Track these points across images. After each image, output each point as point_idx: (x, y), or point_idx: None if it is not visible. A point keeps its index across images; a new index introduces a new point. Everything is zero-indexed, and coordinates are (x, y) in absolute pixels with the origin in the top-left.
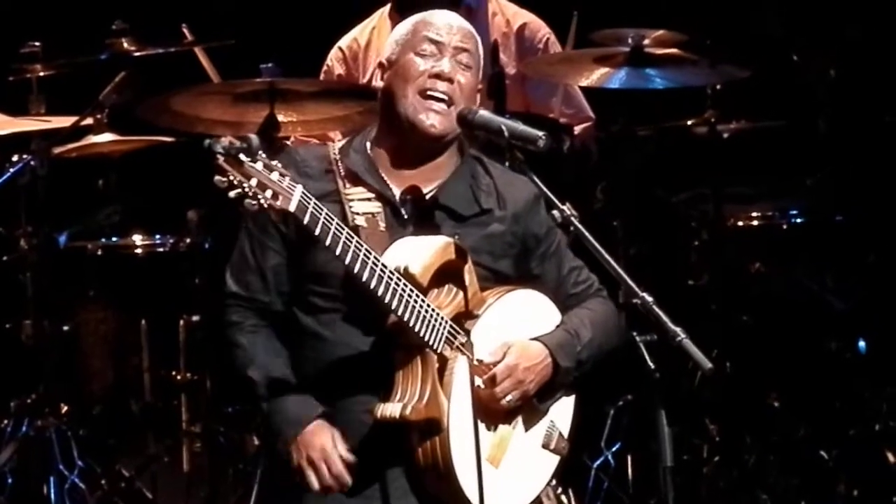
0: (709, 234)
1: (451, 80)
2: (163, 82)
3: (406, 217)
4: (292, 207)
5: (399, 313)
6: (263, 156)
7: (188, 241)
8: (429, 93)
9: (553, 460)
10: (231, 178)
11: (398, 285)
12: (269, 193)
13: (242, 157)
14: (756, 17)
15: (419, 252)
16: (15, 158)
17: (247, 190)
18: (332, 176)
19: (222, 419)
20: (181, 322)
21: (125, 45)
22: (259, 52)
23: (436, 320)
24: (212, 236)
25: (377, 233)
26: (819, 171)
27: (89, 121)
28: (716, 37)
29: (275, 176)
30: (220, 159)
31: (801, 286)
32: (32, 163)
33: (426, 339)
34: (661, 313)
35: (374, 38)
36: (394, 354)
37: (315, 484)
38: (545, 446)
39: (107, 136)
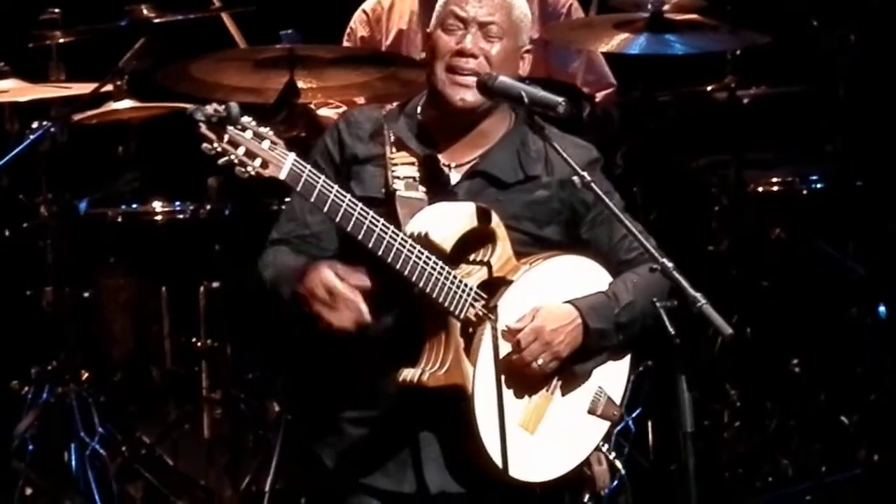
0: (729, 199)
1: (474, 56)
2: (182, 49)
3: (448, 183)
4: (283, 175)
5: (413, 280)
6: (253, 123)
7: (208, 207)
8: (455, 68)
9: (602, 426)
10: (216, 146)
11: (412, 252)
12: (258, 162)
13: (229, 125)
14: None
15: (443, 219)
16: (35, 125)
17: (233, 158)
18: (380, 139)
19: (243, 386)
20: (201, 289)
21: (144, 11)
22: (279, 19)
23: (458, 287)
24: (232, 203)
25: (415, 199)
26: (839, 136)
27: (109, 87)
28: (735, 2)
29: (265, 144)
30: (202, 127)
31: (821, 252)
32: (52, 129)
33: (447, 305)
34: (681, 279)
35: (397, 1)
36: (422, 321)
37: (333, 320)
38: (591, 412)
39: (126, 103)
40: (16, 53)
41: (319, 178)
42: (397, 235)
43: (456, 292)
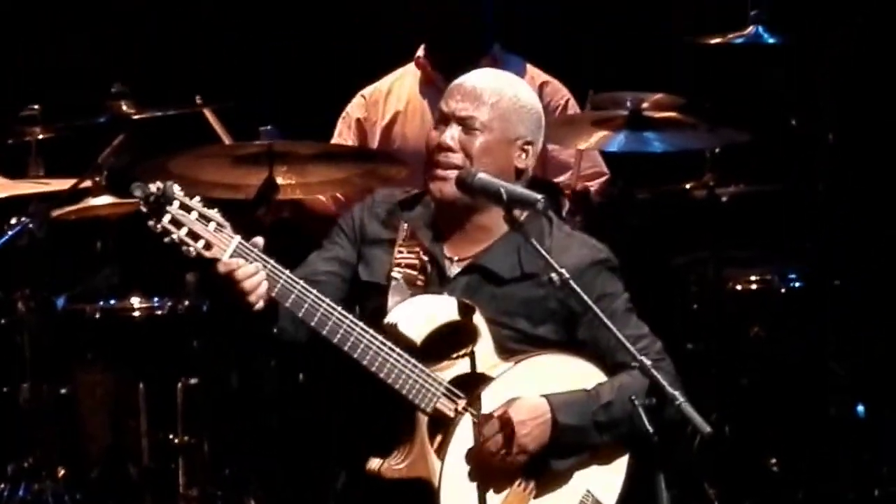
0: (708, 297)
1: (452, 150)
2: (161, 145)
3: (447, 276)
4: (226, 257)
5: (373, 370)
6: (199, 204)
7: (186, 303)
8: (435, 162)
9: None
10: (158, 225)
11: (371, 342)
12: (201, 243)
13: (175, 205)
14: (755, 81)
15: (418, 312)
16: (13, 221)
17: (175, 238)
18: (395, 224)
19: (220, 482)
20: (179, 385)
21: (124, 107)
22: (258, 115)
23: (425, 381)
24: (210, 299)
25: (411, 288)
26: (818, 235)
27: (88, 183)
28: (714, 100)
29: (211, 226)
30: (144, 208)
31: (799, 350)
32: (31, 225)
33: (411, 398)
34: (659, 377)
35: (395, 85)
36: (395, 412)
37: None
38: None
39: (105, 199)
40: None
41: (268, 261)
42: (355, 325)
43: (423, 386)
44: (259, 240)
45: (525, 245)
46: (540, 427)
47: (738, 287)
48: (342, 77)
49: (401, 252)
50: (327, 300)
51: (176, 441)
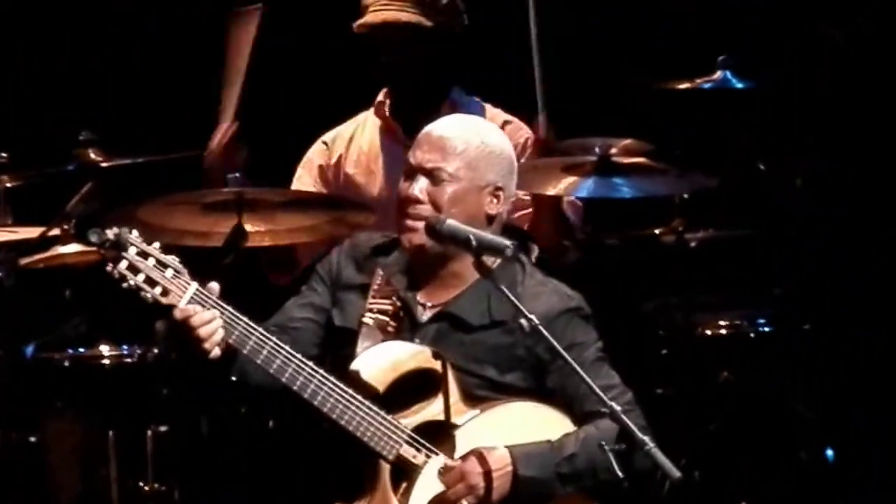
0: (677, 342)
1: (419, 202)
2: (130, 192)
3: (418, 323)
4: (182, 304)
5: (333, 417)
6: (157, 251)
7: (155, 351)
8: (405, 213)
9: None
10: (115, 271)
11: (332, 391)
12: (158, 290)
13: (131, 251)
14: (723, 127)
15: (382, 359)
16: None
17: (132, 284)
18: (371, 268)
19: None
20: (149, 433)
21: (92, 155)
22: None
23: (387, 428)
24: (170, 346)
25: (382, 334)
26: (786, 279)
27: (56, 231)
28: (683, 146)
29: (168, 272)
30: (100, 253)
31: (769, 395)
32: None
33: (372, 445)
34: (629, 422)
35: (357, 131)
36: (359, 458)
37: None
38: None
39: (73, 247)
40: None
41: (225, 308)
42: (315, 372)
43: (385, 433)
44: (215, 286)
45: (495, 292)
46: (501, 479)
47: (708, 332)
48: (306, 123)
49: (374, 298)
50: (286, 348)
51: (146, 489)
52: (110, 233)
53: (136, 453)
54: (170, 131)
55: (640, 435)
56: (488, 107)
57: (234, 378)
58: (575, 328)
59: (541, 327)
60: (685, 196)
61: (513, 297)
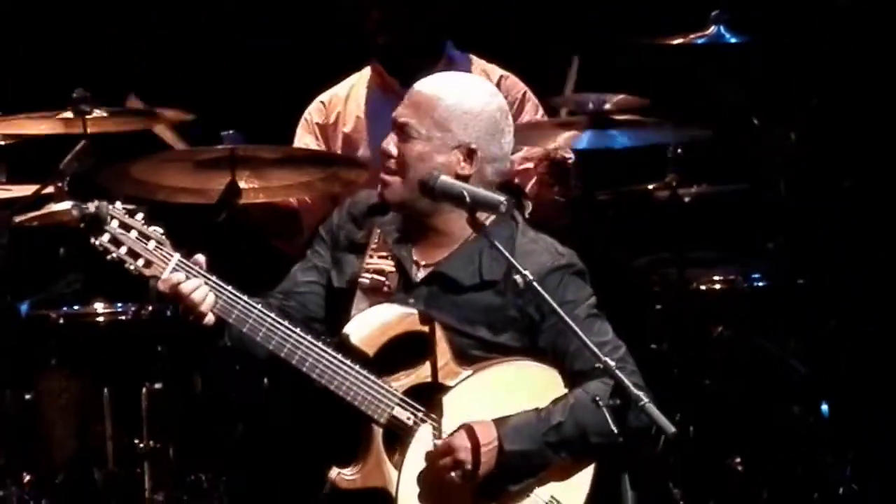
0: (671, 297)
1: (391, 156)
2: (123, 150)
3: (412, 283)
4: (164, 275)
5: (322, 382)
6: (140, 223)
7: (150, 308)
8: (381, 167)
9: None
10: (98, 243)
11: (320, 356)
12: (140, 262)
13: (113, 224)
14: (716, 82)
15: (372, 322)
16: None
17: (115, 256)
18: (370, 227)
19: (186, 487)
20: (144, 390)
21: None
22: (221, 120)
23: (378, 391)
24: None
25: (378, 295)
26: (780, 234)
27: (50, 189)
28: (677, 99)
29: (151, 244)
30: (82, 225)
31: (763, 350)
32: None
33: (363, 409)
34: (623, 377)
35: (353, 90)
36: (356, 423)
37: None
38: None
39: (67, 205)
40: None
41: (209, 278)
42: (302, 339)
43: (376, 397)
44: (201, 257)
45: (487, 251)
46: (487, 454)
47: (702, 287)
48: (301, 80)
49: (371, 257)
50: (273, 315)
51: (141, 446)
52: (91, 206)
53: (131, 411)
54: (164, 89)
55: (633, 389)
56: (483, 62)
57: (228, 344)
58: (566, 285)
59: (535, 283)
60: (678, 151)
61: (506, 254)
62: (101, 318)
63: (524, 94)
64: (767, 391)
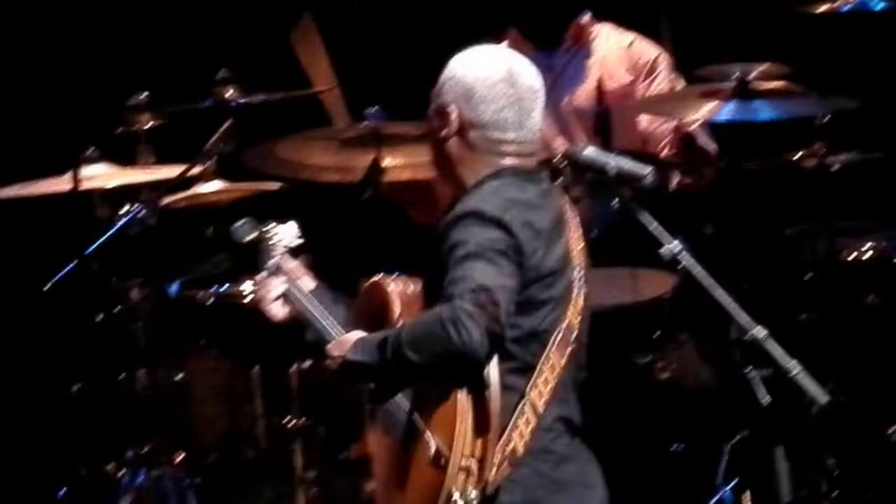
0: (821, 267)
1: None
2: (268, 130)
3: None
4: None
5: None
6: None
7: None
8: None
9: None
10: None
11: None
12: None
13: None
14: (862, 49)
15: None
16: (125, 209)
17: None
18: None
19: (337, 465)
20: (293, 368)
21: (230, 93)
22: (365, 96)
23: None
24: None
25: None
26: None
27: (197, 170)
28: (823, 68)
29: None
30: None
31: None
32: (142, 213)
33: None
34: (775, 347)
35: None
36: None
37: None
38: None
39: (214, 185)
40: (104, 138)
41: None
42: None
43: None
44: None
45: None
46: (337, 362)
47: (852, 256)
48: (442, 57)
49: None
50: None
51: (292, 424)
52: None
53: (281, 389)
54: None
55: (786, 359)
56: (613, 28)
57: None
58: (458, 230)
59: (682, 254)
60: (826, 119)
61: (653, 225)
62: (249, 298)
63: (656, 57)
64: None
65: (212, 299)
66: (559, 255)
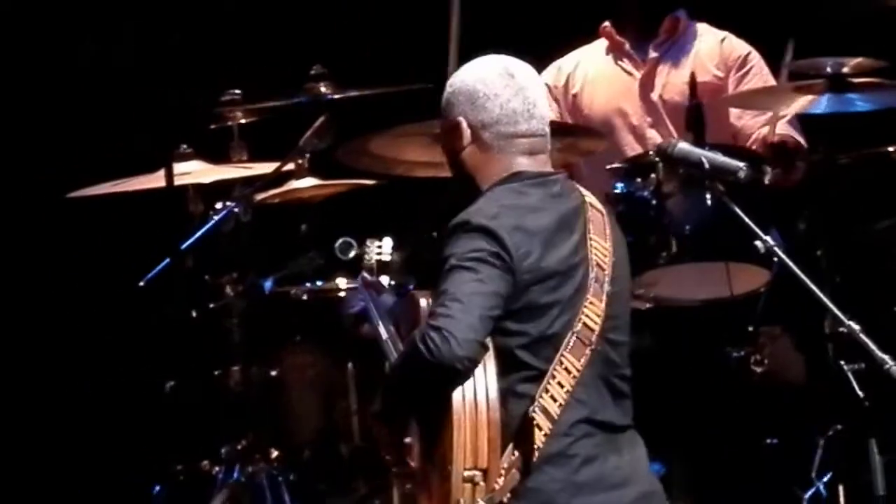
0: None
1: None
2: (361, 125)
3: None
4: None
5: None
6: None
7: (392, 282)
8: None
9: None
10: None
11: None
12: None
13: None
14: None
15: None
16: (219, 206)
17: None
18: None
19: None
20: (387, 364)
21: (323, 89)
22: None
23: None
24: (416, 277)
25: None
26: None
27: (290, 166)
28: None
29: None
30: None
31: None
32: (236, 210)
33: None
34: (868, 341)
35: (584, 56)
36: None
37: None
38: None
39: (308, 181)
40: (198, 135)
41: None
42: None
43: None
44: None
45: None
46: None
47: None
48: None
49: None
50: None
51: None
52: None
53: (376, 385)
54: (400, 63)
55: (879, 353)
56: (706, 26)
57: None
58: (449, 243)
59: (776, 248)
60: None
61: (748, 220)
62: (343, 294)
63: (748, 53)
64: None
65: (306, 295)
66: (562, 257)
